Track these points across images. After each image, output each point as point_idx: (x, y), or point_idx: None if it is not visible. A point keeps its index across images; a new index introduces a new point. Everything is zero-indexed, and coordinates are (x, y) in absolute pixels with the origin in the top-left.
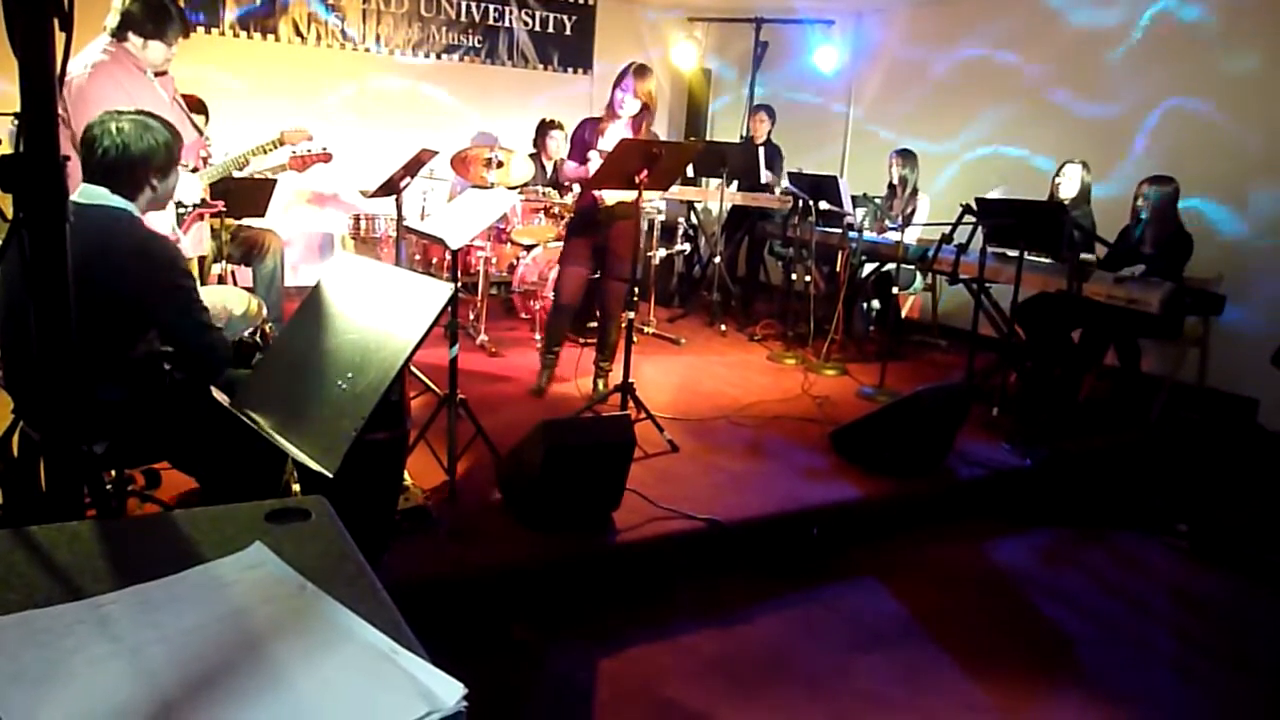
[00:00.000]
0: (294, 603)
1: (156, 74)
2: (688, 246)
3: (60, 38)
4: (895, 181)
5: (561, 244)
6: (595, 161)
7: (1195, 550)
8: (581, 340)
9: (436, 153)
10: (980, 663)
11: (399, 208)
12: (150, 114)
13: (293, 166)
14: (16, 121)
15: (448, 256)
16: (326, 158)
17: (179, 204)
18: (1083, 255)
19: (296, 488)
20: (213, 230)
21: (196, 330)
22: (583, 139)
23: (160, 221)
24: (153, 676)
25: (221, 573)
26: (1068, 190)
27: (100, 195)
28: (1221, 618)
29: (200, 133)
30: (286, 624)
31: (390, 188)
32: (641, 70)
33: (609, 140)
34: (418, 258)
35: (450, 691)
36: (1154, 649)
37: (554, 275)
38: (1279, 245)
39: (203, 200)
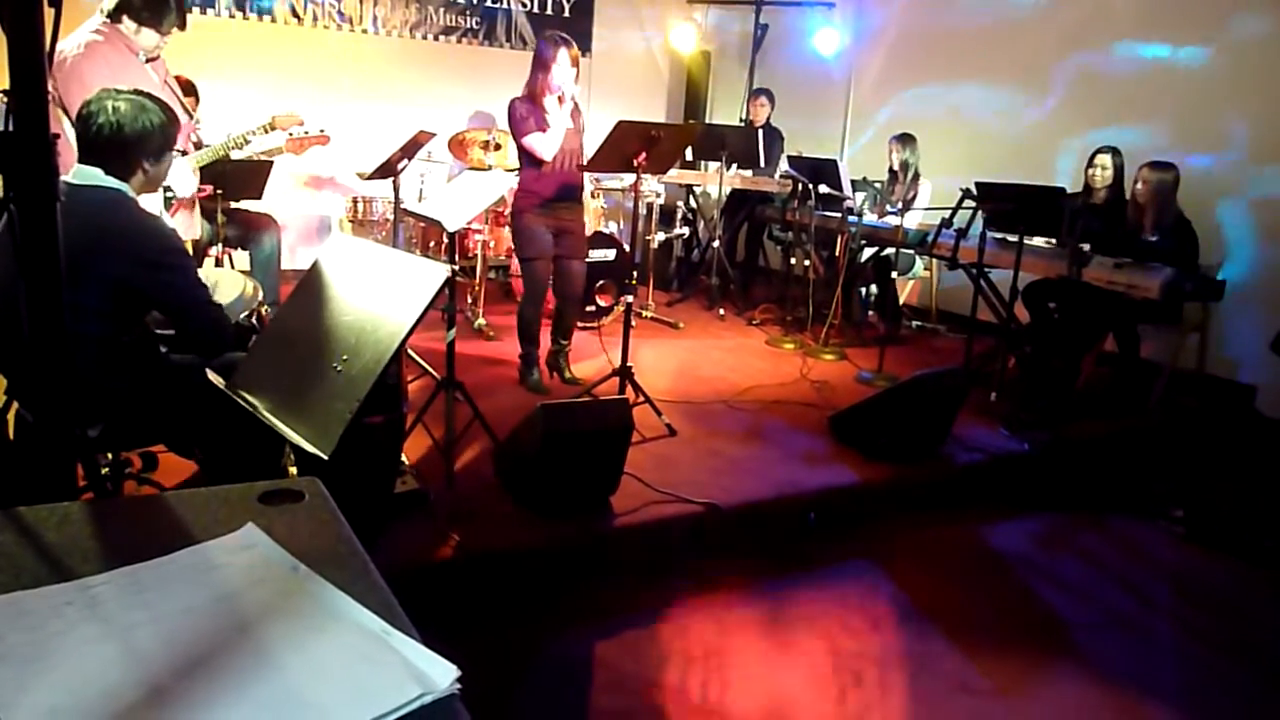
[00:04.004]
0: (286, 584)
1: (149, 58)
2: (686, 230)
3: (50, 15)
4: (896, 167)
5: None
6: (551, 141)
7: (1191, 535)
8: (579, 324)
9: (434, 135)
10: (977, 646)
11: (396, 190)
12: (149, 95)
13: (290, 149)
14: (5, 99)
15: (445, 239)
16: (324, 140)
17: (167, 189)
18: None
19: (294, 470)
20: (209, 213)
21: (197, 307)
22: (537, 117)
23: (149, 205)
24: (142, 658)
25: (213, 554)
26: (1103, 180)
27: (94, 176)
28: (1217, 602)
29: (190, 116)
30: (278, 606)
31: (387, 170)
32: (567, 40)
33: (555, 120)
34: (415, 241)
35: (443, 673)
36: (1149, 632)
37: (523, 270)
38: (1279, 231)
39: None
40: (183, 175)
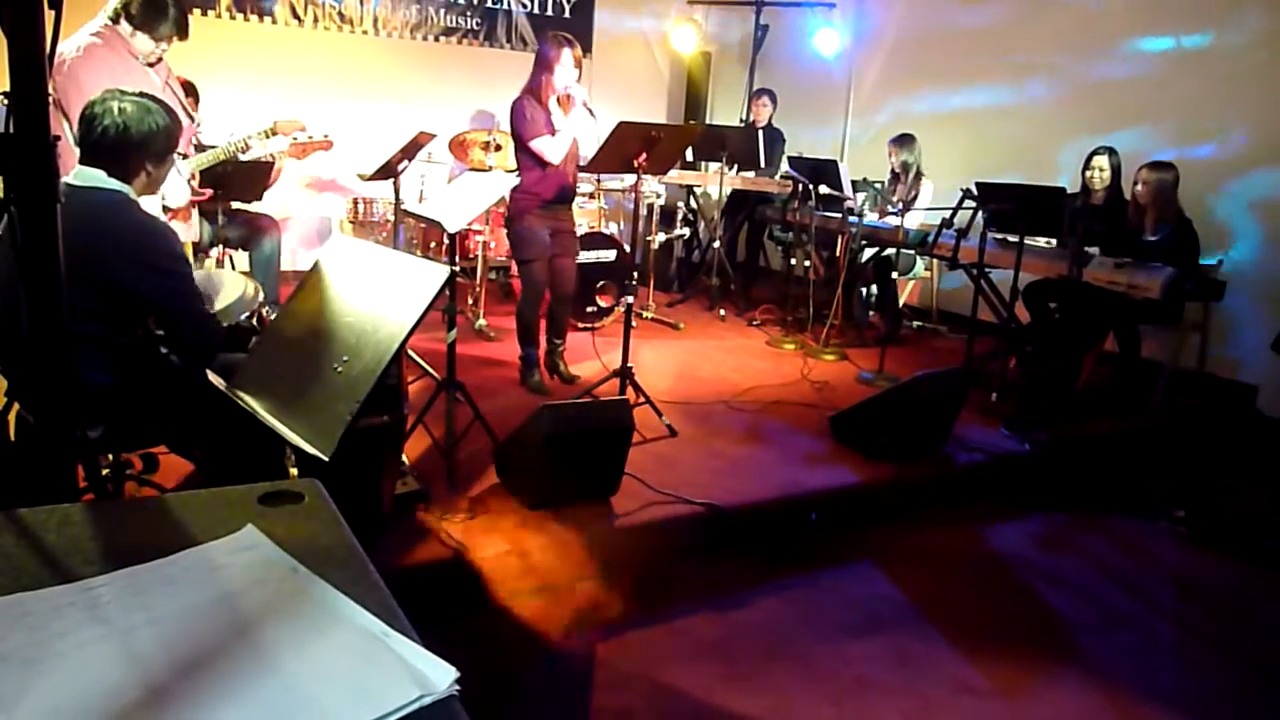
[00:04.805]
0: (285, 585)
1: (149, 63)
2: (687, 231)
3: (50, 16)
4: (896, 168)
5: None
6: (560, 144)
7: (1193, 536)
8: (579, 325)
9: (434, 135)
10: (977, 646)
11: (396, 191)
12: (152, 97)
13: (292, 154)
14: (6, 100)
15: (446, 240)
16: (327, 145)
17: (164, 208)
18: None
19: (294, 471)
20: (209, 214)
21: (189, 314)
22: (544, 119)
23: (149, 208)
24: (142, 659)
25: (213, 555)
26: (1101, 182)
27: (96, 178)
28: (1218, 603)
29: (192, 119)
30: (277, 607)
31: (388, 171)
32: (570, 40)
33: (560, 122)
34: (415, 241)
35: (442, 675)
36: (1151, 634)
37: (522, 271)
38: (1279, 230)
39: (190, 187)
40: (176, 186)
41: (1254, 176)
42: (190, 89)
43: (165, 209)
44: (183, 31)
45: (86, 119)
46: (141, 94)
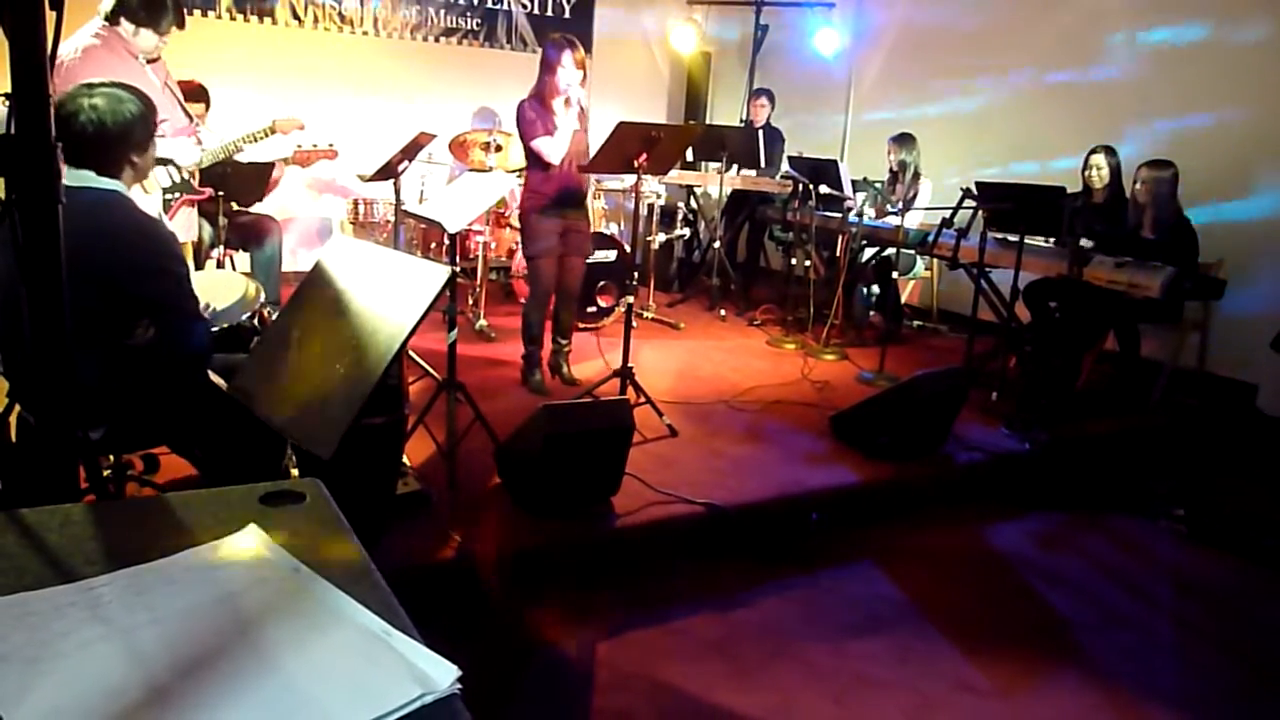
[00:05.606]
0: (287, 585)
1: (149, 60)
2: (687, 231)
3: (51, 17)
4: (895, 167)
5: None
6: (558, 145)
7: (1193, 534)
8: (580, 325)
9: (435, 136)
10: (978, 645)
11: (397, 191)
12: (123, 85)
13: (297, 161)
14: (7, 102)
15: (446, 240)
16: (332, 155)
17: (171, 178)
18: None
19: (295, 471)
20: (211, 215)
21: (180, 317)
22: (544, 120)
23: (146, 206)
24: (144, 659)
25: (215, 555)
26: (1100, 181)
27: (87, 178)
28: (1218, 602)
29: (190, 119)
30: (279, 606)
31: (388, 172)
32: (572, 42)
33: (563, 122)
34: (416, 242)
35: (444, 673)
36: (1151, 632)
37: (529, 268)
38: (1278, 228)
39: (189, 186)
40: (183, 146)
41: (1254, 173)
42: (203, 94)
43: (168, 204)
44: (181, 21)
45: (61, 119)
46: (112, 83)
